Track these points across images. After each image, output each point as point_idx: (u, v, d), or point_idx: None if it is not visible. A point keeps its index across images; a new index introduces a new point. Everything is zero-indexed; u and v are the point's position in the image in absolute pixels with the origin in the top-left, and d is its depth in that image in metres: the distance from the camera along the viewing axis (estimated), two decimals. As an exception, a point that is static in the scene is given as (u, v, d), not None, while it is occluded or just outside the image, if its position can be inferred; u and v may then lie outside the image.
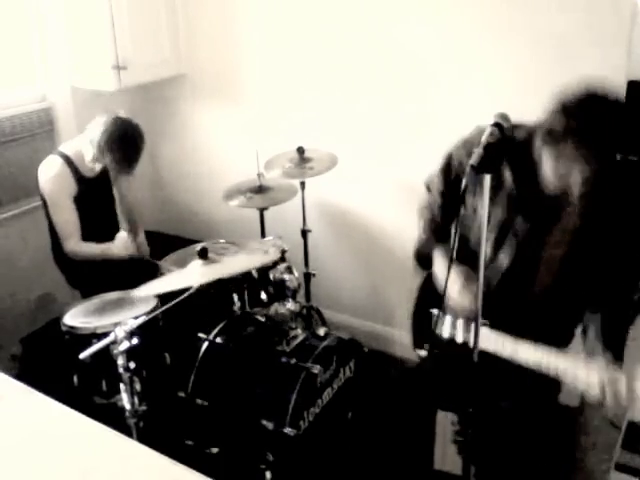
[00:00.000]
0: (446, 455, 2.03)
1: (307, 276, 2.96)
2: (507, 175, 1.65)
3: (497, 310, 1.61)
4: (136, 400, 1.91)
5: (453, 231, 1.68)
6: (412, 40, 2.59)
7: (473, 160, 1.36)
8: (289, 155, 2.74)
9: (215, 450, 2.09)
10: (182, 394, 2.17)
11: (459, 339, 1.77)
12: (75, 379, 2.09)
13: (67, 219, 2.49)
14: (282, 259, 2.34)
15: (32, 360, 2.70)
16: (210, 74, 3.24)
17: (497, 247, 1.70)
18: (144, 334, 1.90)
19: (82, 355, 1.78)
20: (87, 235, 2.53)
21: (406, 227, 2.85)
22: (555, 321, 1.67)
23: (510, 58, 2.39)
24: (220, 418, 2.12)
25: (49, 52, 2.93)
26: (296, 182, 2.77)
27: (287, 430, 1.95)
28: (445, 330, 1.81)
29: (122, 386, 1.87)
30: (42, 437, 1.28)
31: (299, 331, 2.23)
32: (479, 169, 1.37)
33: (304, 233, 2.91)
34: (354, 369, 2.30)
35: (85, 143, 2.45)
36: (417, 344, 1.97)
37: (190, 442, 2.13)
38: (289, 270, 2.29)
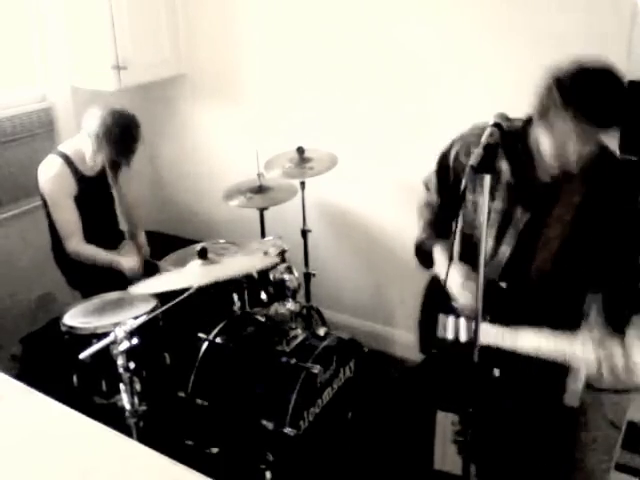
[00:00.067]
0: (446, 455, 2.03)
1: (307, 276, 2.96)
2: (504, 167, 1.66)
3: (499, 302, 1.61)
4: (136, 400, 1.90)
5: (453, 230, 1.68)
6: (412, 40, 2.59)
7: (473, 160, 1.37)
8: (289, 155, 2.74)
9: (215, 450, 2.09)
10: (182, 394, 2.17)
11: (462, 338, 1.78)
12: (75, 379, 2.10)
13: (68, 219, 2.49)
14: (282, 259, 2.35)
15: (32, 360, 2.70)
16: (210, 74, 3.24)
17: (498, 240, 1.71)
18: (144, 334, 1.90)
19: (82, 355, 1.78)
20: (88, 235, 2.53)
21: (406, 227, 2.85)
22: (560, 305, 1.66)
23: (510, 58, 2.39)
24: (220, 418, 2.12)
25: (49, 52, 2.93)
26: (296, 182, 2.77)
27: (287, 430, 1.95)
28: (449, 332, 1.81)
29: (122, 386, 1.87)
30: (42, 437, 1.28)
31: (299, 331, 2.23)
32: (479, 169, 1.37)
33: (304, 233, 2.91)
34: (354, 369, 2.30)
35: (84, 139, 2.45)
36: (424, 349, 1.96)
37: (190, 442, 2.13)
38: (289, 270, 2.29)
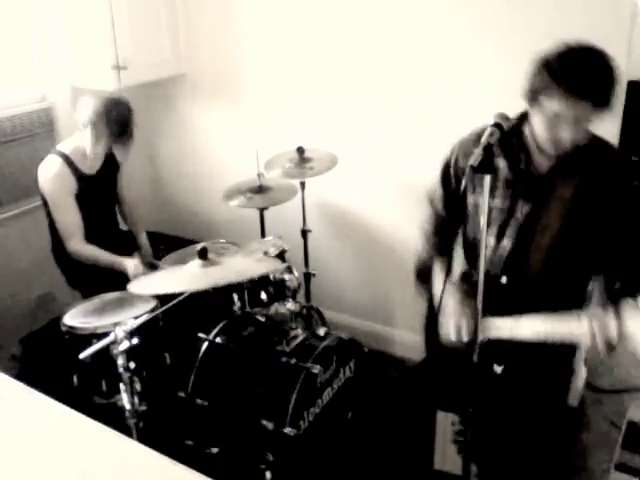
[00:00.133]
0: (446, 455, 2.03)
1: (307, 276, 2.96)
2: (502, 164, 1.68)
3: (500, 298, 1.62)
4: (136, 400, 1.90)
5: (452, 250, 1.73)
6: (412, 40, 2.59)
7: (473, 160, 1.37)
8: (289, 155, 2.74)
9: (215, 450, 2.09)
10: (182, 394, 2.17)
11: (465, 338, 1.78)
12: (75, 379, 2.10)
13: (69, 219, 2.49)
14: (282, 259, 2.35)
15: (32, 360, 2.70)
16: (210, 74, 3.24)
17: (500, 236, 1.72)
18: (144, 334, 1.90)
19: (82, 355, 1.78)
20: (88, 234, 2.53)
21: (406, 227, 2.86)
22: (561, 294, 1.67)
23: (510, 58, 2.38)
24: (220, 418, 2.12)
25: (49, 52, 2.93)
26: (296, 182, 2.77)
27: (287, 430, 1.95)
28: (453, 334, 1.81)
29: (122, 386, 1.87)
30: (42, 437, 1.28)
31: (299, 331, 2.23)
32: (479, 169, 1.37)
33: (304, 233, 2.91)
34: (354, 369, 2.30)
35: (81, 134, 2.45)
36: (430, 352, 1.97)
37: (190, 442, 2.13)
38: (289, 270, 2.29)
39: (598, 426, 2.40)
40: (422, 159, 2.71)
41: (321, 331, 2.26)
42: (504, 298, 1.67)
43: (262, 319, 2.29)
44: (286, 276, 2.28)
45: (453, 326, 1.72)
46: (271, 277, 2.27)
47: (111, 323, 1.99)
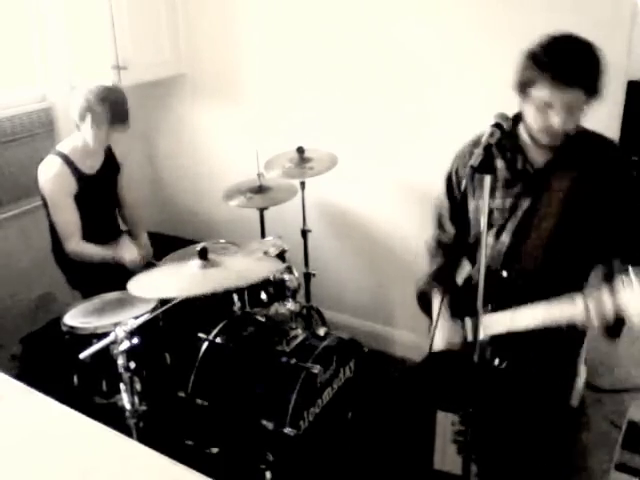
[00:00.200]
0: (446, 455, 2.03)
1: (307, 276, 2.96)
2: (500, 164, 1.70)
3: (501, 292, 1.64)
4: (136, 400, 1.91)
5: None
6: (412, 40, 2.59)
7: (473, 161, 1.37)
8: (289, 155, 2.74)
9: (215, 450, 2.09)
10: (182, 394, 2.17)
11: (469, 338, 1.78)
12: (75, 379, 2.10)
13: (68, 219, 2.49)
14: (282, 259, 2.34)
15: (32, 360, 2.70)
16: (210, 74, 3.24)
17: (499, 231, 1.73)
18: (144, 334, 1.90)
19: (82, 355, 1.78)
20: (88, 234, 2.53)
21: (406, 226, 2.87)
22: (561, 286, 1.67)
23: (509, 58, 2.38)
24: (220, 418, 2.12)
25: (49, 52, 2.93)
26: (296, 182, 2.77)
27: (287, 430, 1.95)
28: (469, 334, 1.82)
29: (122, 386, 1.87)
30: (42, 437, 1.28)
31: (299, 331, 2.23)
32: (479, 169, 1.38)
33: (304, 233, 2.91)
34: (354, 369, 2.30)
35: (81, 129, 2.45)
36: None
37: (190, 442, 2.13)
38: (289, 270, 2.29)
39: (598, 426, 2.40)
40: (422, 159, 2.71)
41: (321, 331, 2.26)
42: (505, 292, 1.68)
43: (262, 319, 2.29)
44: (286, 276, 2.28)
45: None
46: (271, 277, 2.27)
47: (111, 323, 1.99)
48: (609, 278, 1.58)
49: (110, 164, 2.68)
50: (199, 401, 2.13)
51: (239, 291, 2.27)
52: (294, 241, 2.73)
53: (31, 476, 1.18)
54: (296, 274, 2.31)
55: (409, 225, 2.84)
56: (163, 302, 2.07)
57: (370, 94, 2.77)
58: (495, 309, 1.67)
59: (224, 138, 3.31)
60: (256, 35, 3.01)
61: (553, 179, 1.65)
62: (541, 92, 1.51)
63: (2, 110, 2.78)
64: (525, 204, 1.69)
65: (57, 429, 1.31)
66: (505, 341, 1.65)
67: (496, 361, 1.70)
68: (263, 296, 2.30)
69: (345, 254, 3.15)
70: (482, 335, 1.64)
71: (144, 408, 1.93)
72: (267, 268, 2.02)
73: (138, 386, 1.92)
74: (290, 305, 2.26)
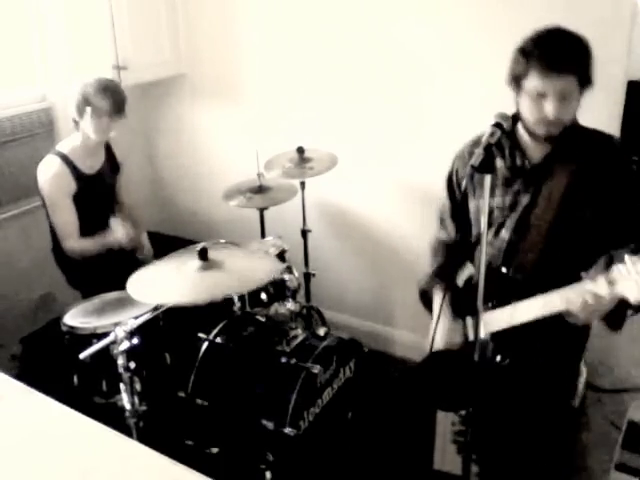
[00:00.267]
0: (446, 455, 2.03)
1: (307, 276, 2.96)
2: (499, 163, 1.71)
3: (502, 288, 1.65)
4: (136, 400, 1.91)
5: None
6: (412, 40, 2.59)
7: (474, 160, 1.38)
8: (289, 155, 2.74)
9: (215, 450, 2.09)
10: (182, 394, 2.17)
11: (471, 337, 1.79)
12: (75, 379, 2.10)
13: (67, 219, 2.49)
14: (282, 259, 2.34)
15: (32, 360, 2.70)
16: (210, 74, 3.24)
17: (499, 228, 1.74)
18: (144, 334, 1.90)
19: (82, 355, 1.78)
20: (87, 234, 2.53)
21: (406, 226, 2.87)
22: (562, 278, 1.68)
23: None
24: (220, 418, 2.12)
25: (49, 52, 2.93)
26: (296, 182, 2.77)
27: (287, 430, 1.95)
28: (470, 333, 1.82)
29: (122, 386, 1.87)
30: (42, 437, 1.28)
31: (299, 331, 2.23)
32: (479, 169, 1.38)
33: (304, 233, 2.91)
34: (354, 369, 2.30)
35: (80, 125, 2.45)
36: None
37: (190, 442, 2.13)
38: (289, 270, 2.29)
39: (598, 426, 2.40)
40: (422, 159, 2.71)
41: (321, 331, 2.26)
42: (506, 289, 1.68)
43: (262, 319, 2.28)
44: (286, 276, 2.28)
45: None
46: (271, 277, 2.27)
47: (111, 323, 1.99)
48: (608, 268, 1.58)
49: (110, 164, 2.68)
50: (199, 401, 2.13)
51: (239, 291, 2.27)
52: (294, 241, 2.73)
53: (31, 476, 1.18)
54: (296, 274, 2.31)
55: (409, 225, 2.84)
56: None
57: (370, 94, 2.77)
58: (496, 306, 1.68)
59: (224, 138, 3.31)
60: (256, 35, 3.01)
61: (552, 174, 1.66)
62: (533, 82, 1.55)
63: (2, 110, 2.77)
64: (524, 200, 1.70)
65: (57, 429, 1.31)
66: (507, 338, 1.66)
67: (498, 358, 1.70)
68: (263, 296, 2.30)
69: (345, 254, 3.15)
70: (483, 333, 1.65)
71: (144, 408, 1.93)
72: (268, 271, 1.97)
73: (138, 386, 1.92)
74: (290, 305, 2.26)
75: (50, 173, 2.45)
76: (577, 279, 1.64)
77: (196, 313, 2.26)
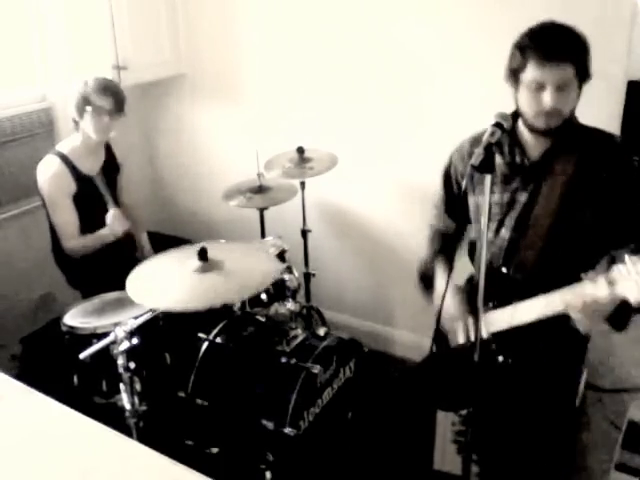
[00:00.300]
0: (446, 455, 2.03)
1: (307, 276, 2.96)
2: (498, 160, 1.70)
3: (503, 288, 1.64)
4: (136, 400, 1.91)
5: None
6: (411, 40, 2.59)
7: (474, 160, 1.38)
8: (289, 155, 2.74)
9: (215, 450, 2.09)
10: (182, 394, 2.16)
11: (472, 337, 1.78)
12: (75, 379, 2.09)
13: (66, 219, 2.49)
14: (282, 259, 2.34)
15: (32, 360, 2.70)
16: (210, 74, 3.24)
17: (499, 226, 1.74)
18: (144, 334, 1.90)
19: (82, 355, 1.78)
20: (86, 233, 2.53)
21: (406, 226, 2.86)
22: (563, 277, 1.68)
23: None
24: (220, 418, 2.12)
25: (49, 52, 2.93)
26: (296, 182, 2.77)
27: (287, 430, 1.95)
28: (460, 337, 1.81)
29: (122, 386, 1.87)
30: (42, 437, 1.28)
31: (299, 331, 2.23)
32: (480, 169, 1.38)
33: (304, 233, 2.91)
34: (354, 369, 2.30)
35: (80, 124, 2.45)
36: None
37: (190, 442, 2.13)
38: (289, 270, 2.29)
39: (598, 426, 2.40)
40: (422, 159, 2.71)
41: (321, 331, 2.26)
42: (506, 289, 1.68)
43: (262, 319, 2.28)
44: (286, 276, 2.28)
45: (460, 328, 1.76)
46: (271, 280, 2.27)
47: (111, 323, 1.99)
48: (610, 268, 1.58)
49: (110, 164, 2.68)
50: (199, 401, 2.13)
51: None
52: (294, 241, 2.73)
53: (31, 476, 1.18)
54: (296, 274, 2.31)
55: (409, 225, 2.84)
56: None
57: (370, 94, 2.77)
58: (496, 307, 1.68)
59: (224, 138, 3.31)
60: (256, 35, 3.01)
61: (551, 171, 1.65)
62: (531, 73, 1.55)
63: (2, 110, 2.77)
64: (523, 198, 1.70)
65: (57, 429, 1.31)
66: (509, 338, 1.65)
67: (500, 358, 1.70)
68: (263, 296, 2.30)
69: (345, 254, 3.15)
70: (485, 334, 1.65)
71: (144, 408, 1.93)
72: (270, 273, 1.95)
73: (138, 386, 1.92)
74: (290, 305, 2.26)
75: (49, 173, 2.45)
76: (577, 279, 1.64)
77: (196, 313, 2.25)
